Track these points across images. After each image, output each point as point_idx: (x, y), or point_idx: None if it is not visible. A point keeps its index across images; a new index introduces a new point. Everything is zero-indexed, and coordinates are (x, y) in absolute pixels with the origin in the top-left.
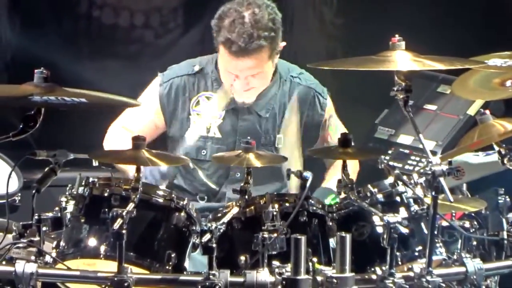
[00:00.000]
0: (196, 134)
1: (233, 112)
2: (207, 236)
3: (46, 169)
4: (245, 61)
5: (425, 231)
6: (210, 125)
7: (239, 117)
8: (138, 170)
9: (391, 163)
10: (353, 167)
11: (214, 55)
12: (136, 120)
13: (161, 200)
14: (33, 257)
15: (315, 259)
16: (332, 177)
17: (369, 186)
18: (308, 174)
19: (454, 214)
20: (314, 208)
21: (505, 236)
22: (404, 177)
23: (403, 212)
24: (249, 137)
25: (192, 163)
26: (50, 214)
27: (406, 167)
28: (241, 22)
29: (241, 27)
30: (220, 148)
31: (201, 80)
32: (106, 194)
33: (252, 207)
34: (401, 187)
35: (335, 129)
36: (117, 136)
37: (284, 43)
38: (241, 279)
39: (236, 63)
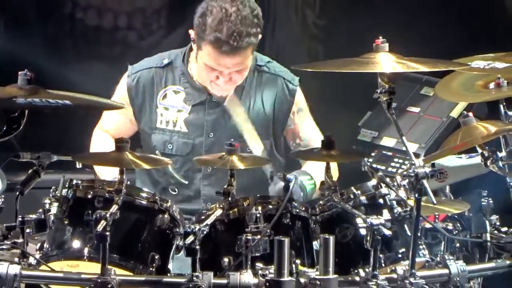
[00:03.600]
0: (163, 127)
1: (200, 105)
2: (190, 238)
3: (30, 171)
4: (232, 58)
5: (408, 233)
6: (176, 119)
7: (206, 110)
8: (121, 172)
9: (374, 165)
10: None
11: (183, 49)
12: (111, 119)
13: (144, 202)
14: (16, 259)
15: (298, 261)
16: (308, 163)
17: (352, 188)
18: (291, 177)
19: (437, 216)
20: (298, 210)
21: (488, 238)
22: (387, 179)
23: (386, 214)
24: (232, 140)
25: (161, 156)
26: (33, 216)
27: (389, 169)
28: (228, 19)
29: (229, 26)
30: (186, 142)
31: (169, 74)
32: (89, 196)
33: (236, 209)
34: (384, 189)
35: (306, 124)
36: (97, 140)
37: (260, 36)
38: (224, 281)
39: (224, 61)
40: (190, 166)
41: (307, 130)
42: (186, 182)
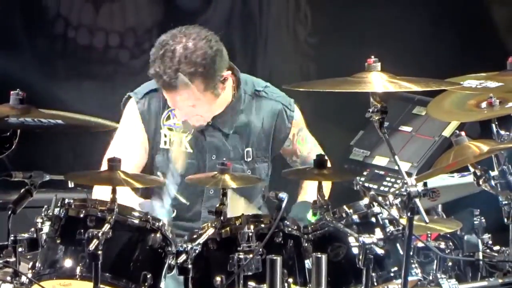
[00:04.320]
0: (168, 148)
1: (200, 130)
2: (182, 257)
3: (22, 190)
4: (174, 95)
5: (401, 252)
6: (181, 140)
7: (206, 134)
8: (114, 191)
9: (366, 184)
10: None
11: None
12: (125, 155)
13: (136, 221)
14: (9, 278)
15: (290, 280)
16: (307, 189)
17: (344, 207)
18: (283, 195)
19: (429, 235)
20: (290, 229)
21: (481, 257)
22: (380, 198)
23: (378, 233)
24: (224, 159)
25: (163, 177)
26: (26, 235)
27: (382, 188)
28: (170, 56)
29: (169, 62)
30: (191, 162)
31: None
32: (82, 215)
33: (228, 228)
34: (376, 208)
35: (304, 142)
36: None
37: (227, 72)
38: None
39: (168, 95)
40: (193, 188)
41: (305, 147)
42: (188, 203)
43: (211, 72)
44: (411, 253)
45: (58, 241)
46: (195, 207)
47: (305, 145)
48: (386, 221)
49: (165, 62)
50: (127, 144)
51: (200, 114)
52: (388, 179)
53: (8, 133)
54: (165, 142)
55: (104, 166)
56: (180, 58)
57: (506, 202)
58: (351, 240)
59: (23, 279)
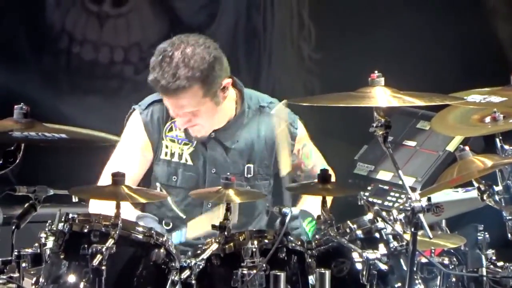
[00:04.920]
0: (168, 159)
1: (201, 141)
2: (186, 273)
3: (26, 205)
4: (173, 100)
5: (404, 267)
6: (182, 152)
7: (207, 147)
8: (117, 206)
9: (370, 199)
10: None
11: None
12: (127, 165)
13: (140, 236)
14: None
15: None
16: (306, 199)
17: (348, 222)
18: (287, 210)
19: (433, 251)
20: (293, 244)
21: (484, 273)
22: (384, 213)
23: (382, 249)
24: (228, 174)
25: (162, 188)
26: (29, 250)
27: (386, 203)
28: (168, 61)
29: (167, 67)
30: (191, 175)
31: None
32: (85, 230)
33: (232, 244)
34: (380, 224)
35: (309, 157)
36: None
37: (228, 80)
38: None
39: (167, 102)
40: (190, 200)
41: (309, 161)
42: (184, 217)
43: (209, 78)
44: (415, 269)
45: (62, 256)
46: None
47: (310, 159)
48: (390, 236)
49: (163, 67)
50: (129, 154)
51: (201, 123)
52: (392, 194)
53: (12, 147)
54: (166, 153)
55: (104, 178)
56: (178, 63)
57: (510, 217)
58: (355, 255)
59: None
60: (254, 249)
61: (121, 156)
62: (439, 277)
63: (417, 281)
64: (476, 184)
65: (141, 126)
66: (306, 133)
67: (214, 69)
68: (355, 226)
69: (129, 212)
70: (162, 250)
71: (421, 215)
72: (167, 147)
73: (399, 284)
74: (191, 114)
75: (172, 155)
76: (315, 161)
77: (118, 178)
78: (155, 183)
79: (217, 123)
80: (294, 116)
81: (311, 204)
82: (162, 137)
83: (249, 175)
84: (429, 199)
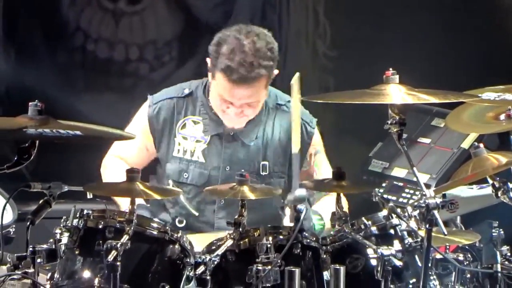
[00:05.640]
0: (180, 156)
1: (218, 138)
2: (201, 269)
3: (41, 201)
4: (244, 89)
5: (419, 263)
6: (194, 149)
7: (223, 143)
8: (132, 203)
9: (385, 196)
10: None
11: (204, 80)
12: (128, 146)
13: (155, 232)
14: None
15: None
16: (323, 201)
17: (363, 218)
18: (302, 207)
19: (448, 247)
20: (308, 240)
21: (499, 269)
22: (398, 210)
23: (397, 245)
24: (243, 170)
25: (174, 185)
26: (44, 246)
27: (400, 200)
28: (241, 50)
29: (242, 55)
30: (202, 172)
31: (189, 104)
32: (100, 226)
33: (246, 240)
34: (395, 220)
35: (320, 166)
36: (112, 167)
37: (277, 71)
38: None
39: (234, 91)
40: (203, 197)
41: (321, 172)
42: (197, 214)
43: (273, 68)
44: (430, 265)
45: (77, 252)
46: (205, 217)
47: (322, 169)
48: (405, 232)
49: (236, 55)
50: (130, 143)
51: (249, 114)
52: (406, 190)
53: (27, 144)
54: (178, 151)
55: (105, 162)
56: (252, 51)
57: None
58: (370, 251)
59: None
60: (269, 245)
61: (124, 142)
62: (453, 273)
63: (431, 277)
64: (490, 181)
65: (145, 119)
66: (321, 141)
67: (276, 59)
68: (369, 222)
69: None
70: (176, 246)
71: (435, 212)
72: (179, 144)
73: (414, 280)
74: (246, 105)
75: (185, 152)
76: (326, 174)
77: (132, 174)
78: (168, 180)
79: (256, 114)
80: (312, 118)
81: (324, 207)
82: (175, 134)
83: (264, 173)
84: (443, 196)
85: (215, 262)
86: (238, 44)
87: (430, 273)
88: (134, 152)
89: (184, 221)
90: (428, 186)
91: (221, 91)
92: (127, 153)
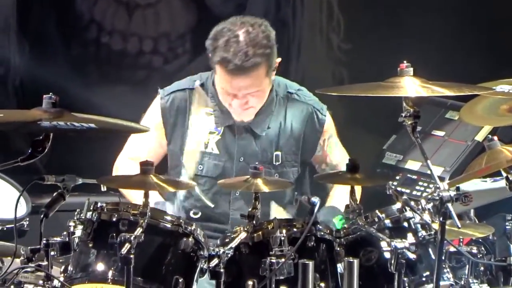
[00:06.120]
0: (194, 148)
1: (230, 129)
2: (214, 261)
3: (55, 194)
4: (242, 79)
5: (433, 256)
6: (208, 141)
7: (236, 135)
8: (146, 195)
9: (399, 188)
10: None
11: (212, 72)
12: (141, 146)
13: (169, 225)
14: (41, 282)
15: (322, 284)
16: (334, 195)
17: (376, 211)
18: (316, 200)
19: (461, 240)
20: (322, 233)
21: None
22: (412, 203)
23: (410, 238)
24: (257, 163)
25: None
26: (58, 239)
27: (414, 192)
28: (236, 41)
29: (237, 46)
30: (217, 164)
31: (201, 95)
32: (114, 219)
33: (260, 232)
34: (408, 213)
35: (334, 150)
36: (124, 169)
37: (279, 59)
38: None
39: (233, 82)
40: (218, 189)
41: (335, 156)
42: (212, 206)
43: (272, 57)
44: (443, 258)
45: (91, 245)
46: (221, 208)
47: (335, 153)
48: (418, 225)
49: (231, 47)
50: (145, 136)
51: (254, 106)
52: (420, 183)
53: (41, 137)
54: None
55: (120, 160)
56: (247, 42)
57: None
58: (383, 244)
59: (55, 282)
60: (282, 238)
61: (137, 138)
62: (467, 266)
63: (445, 270)
64: (504, 174)
65: (158, 112)
66: (333, 125)
67: (275, 47)
68: (383, 215)
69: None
70: (190, 239)
71: (449, 205)
72: (193, 136)
73: (428, 273)
74: (249, 95)
75: (198, 144)
76: (341, 158)
77: (146, 167)
78: (182, 172)
79: (262, 104)
80: (322, 105)
81: (340, 198)
82: (188, 125)
83: (277, 163)
84: (457, 189)
85: (229, 255)
86: (232, 35)
87: (443, 266)
88: (147, 150)
89: (200, 213)
90: (442, 179)
91: (222, 83)
92: (140, 152)
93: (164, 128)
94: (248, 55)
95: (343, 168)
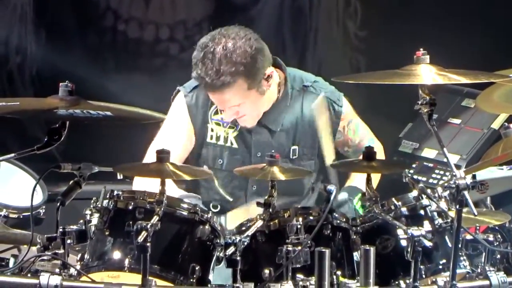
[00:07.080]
0: (214, 142)
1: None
2: (231, 249)
3: (71, 182)
4: (219, 95)
5: (449, 244)
6: (227, 135)
7: (252, 131)
8: (162, 183)
9: (415, 176)
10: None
11: None
12: (171, 146)
13: (185, 213)
14: (57, 270)
15: (339, 272)
16: (355, 176)
17: (393, 199)
18: (332, 188)
19: (478, 228)
20: (338, 221)
21: None
22: (428, 191)
23: (427, 226)
24: (273, 151)
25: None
26: (74, 227)
27: (430, 180)
28: (211, 58)
29: (210, 63)
30: (236, 158)
31: None
32: (130, 207)
33: (276, 221)
34: (425, 201)
35: (355, 132)
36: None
37: (272, 69)
38: None
39: (213, 97)
40: (237, 183)
41: (356, 136)
42: (231, 200)
43: (253, 71)
44: (460, 246)
45: (107, 233)
46: (238, 202)
47: (357, 134)
48: (435, 213)
49: (206, 64)
50: (173, 135)
51: (248, 114)
52: (437, 171)
53: (57, 125)
54: (212, 136)
55: (148, 157)
56: (220, 58)
57: None
58: (400, 232)
59: (72, 271)
60: (299, 226)
61: (165, 137)
62: (483, 253)
63: (461, 258)
64: None
65: (185, 109)
66: (351, 110)
67: (257, 61)
68: (400, 203)
69: (172, 191)
70: (207, 227)
71: (466, 193)
72: (212, 130)
73: (444, 261)
74: (237, 106)
75: (218, 138)
76: (362, 135)
77: (163, 155)
78: (202, 166)
79: (262, 110)
80: (338, 94)
81: (361, 180)
82: (208, 120)
83: (294, 157)
84: (474, 177)
85: (245, 243)
86: (209, 51)
87: (460, 253)
88: (179, 150)
89: (219, 206)
90: (458, 167)
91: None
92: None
93: (193, 124)
94: (219, 74)
95: (366, 144)
